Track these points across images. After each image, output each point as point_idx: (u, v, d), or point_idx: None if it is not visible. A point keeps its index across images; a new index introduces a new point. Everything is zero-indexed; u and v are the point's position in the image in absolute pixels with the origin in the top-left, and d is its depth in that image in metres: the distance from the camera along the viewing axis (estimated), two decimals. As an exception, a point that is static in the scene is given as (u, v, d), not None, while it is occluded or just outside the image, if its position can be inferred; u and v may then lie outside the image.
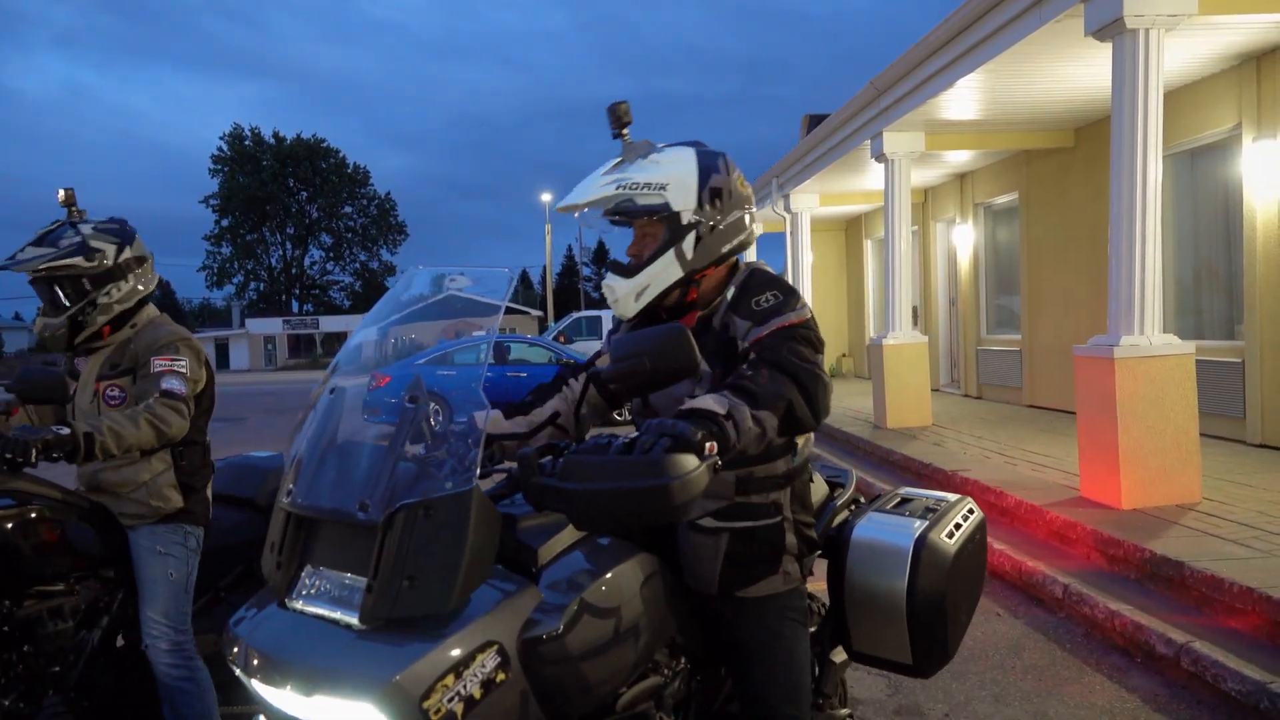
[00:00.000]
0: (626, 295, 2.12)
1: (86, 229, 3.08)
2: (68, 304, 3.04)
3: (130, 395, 3.05)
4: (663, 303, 2.16)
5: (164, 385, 2.97)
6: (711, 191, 2.11)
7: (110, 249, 3.07)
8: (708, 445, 1.67)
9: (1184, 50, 7.67)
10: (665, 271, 2.10)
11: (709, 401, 1.78)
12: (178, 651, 3.01)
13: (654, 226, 2.12)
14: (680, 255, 2.09)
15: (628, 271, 2.13)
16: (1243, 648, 3.99)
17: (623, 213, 2.11)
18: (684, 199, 2.08)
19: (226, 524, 3.33)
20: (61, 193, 3.14)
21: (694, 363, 1.82)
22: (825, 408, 1.94)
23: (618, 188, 2.07)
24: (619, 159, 2.14)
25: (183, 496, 3.11)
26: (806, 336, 2.02)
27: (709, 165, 2.13)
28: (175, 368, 3.01)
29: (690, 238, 2.10)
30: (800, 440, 2.20)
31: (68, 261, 3.01)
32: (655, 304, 2.16)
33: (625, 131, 2.14)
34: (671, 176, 2.08)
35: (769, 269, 2.24)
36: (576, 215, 2.24)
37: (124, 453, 2.85)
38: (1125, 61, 5.95)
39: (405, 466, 1.76)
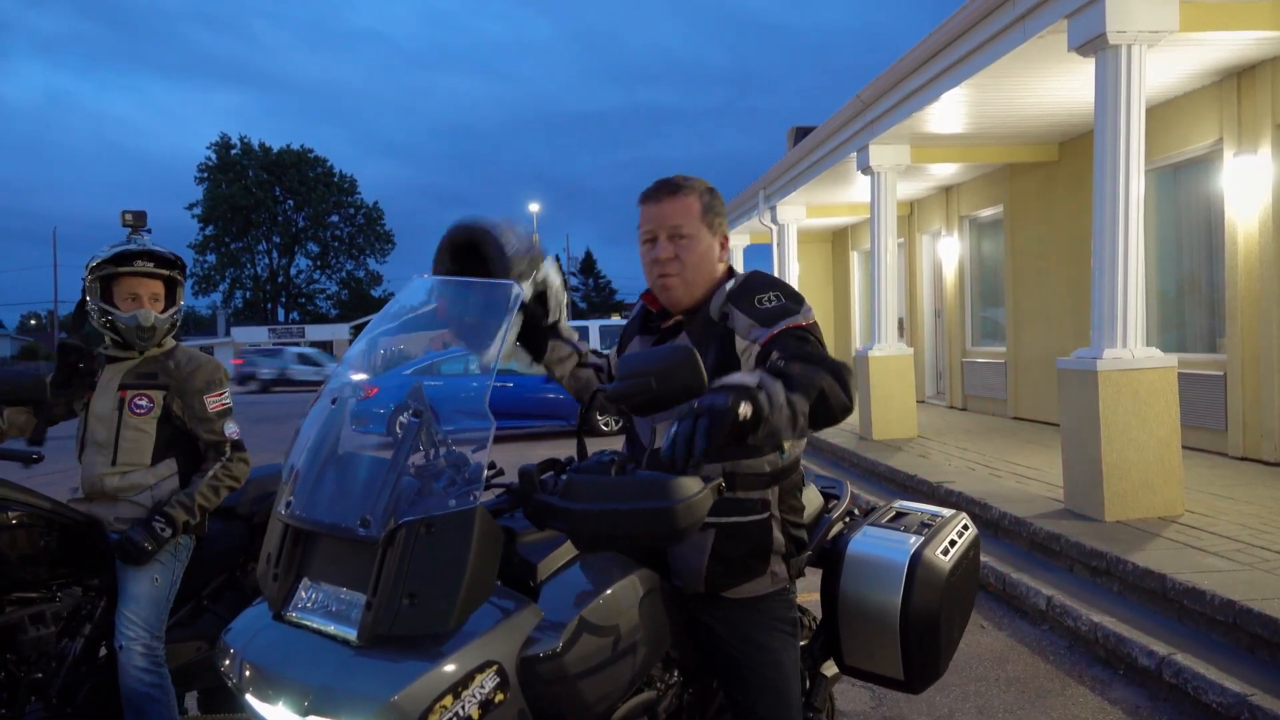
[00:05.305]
0: None
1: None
2: (164, 304, 3.18)
3: (158, 405, 3.15)
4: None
5: (229, 433, 3.19)
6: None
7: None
8: (741, 409, 1.63)
9: (1166, 66, 7.77)
10: None
11: (740, 376, 1.76)
12: (149, 656, 2.99)
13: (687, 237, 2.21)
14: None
15: None
16: (1224, 660, 4.03)
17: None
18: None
19: (209, 533, 3.33)
20: (130, 215, 3.24)
21: (701, 384, 1.77)
22: (854, 397, 1.93)
23: None
24: None
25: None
26: (816, 340, 2.04)
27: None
28: (228, 405, 3.22)
29: None
30: (787, 442, 2.21)
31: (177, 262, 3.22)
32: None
33: None
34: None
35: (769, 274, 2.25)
36: None
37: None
38: (1108, 77, 6.02)
39: (407, 481, 1.74)
